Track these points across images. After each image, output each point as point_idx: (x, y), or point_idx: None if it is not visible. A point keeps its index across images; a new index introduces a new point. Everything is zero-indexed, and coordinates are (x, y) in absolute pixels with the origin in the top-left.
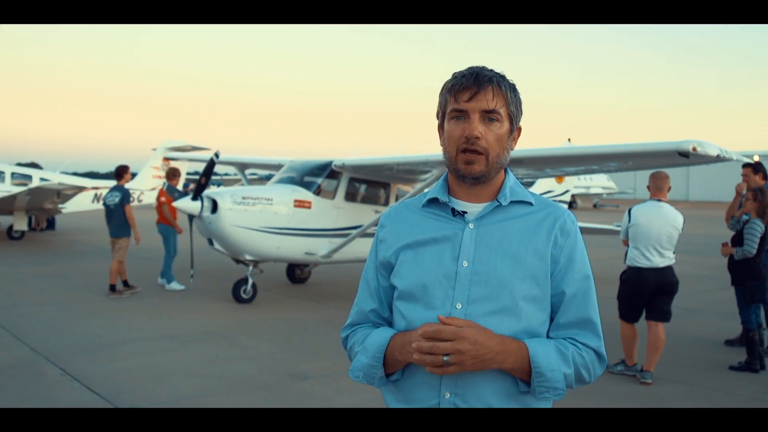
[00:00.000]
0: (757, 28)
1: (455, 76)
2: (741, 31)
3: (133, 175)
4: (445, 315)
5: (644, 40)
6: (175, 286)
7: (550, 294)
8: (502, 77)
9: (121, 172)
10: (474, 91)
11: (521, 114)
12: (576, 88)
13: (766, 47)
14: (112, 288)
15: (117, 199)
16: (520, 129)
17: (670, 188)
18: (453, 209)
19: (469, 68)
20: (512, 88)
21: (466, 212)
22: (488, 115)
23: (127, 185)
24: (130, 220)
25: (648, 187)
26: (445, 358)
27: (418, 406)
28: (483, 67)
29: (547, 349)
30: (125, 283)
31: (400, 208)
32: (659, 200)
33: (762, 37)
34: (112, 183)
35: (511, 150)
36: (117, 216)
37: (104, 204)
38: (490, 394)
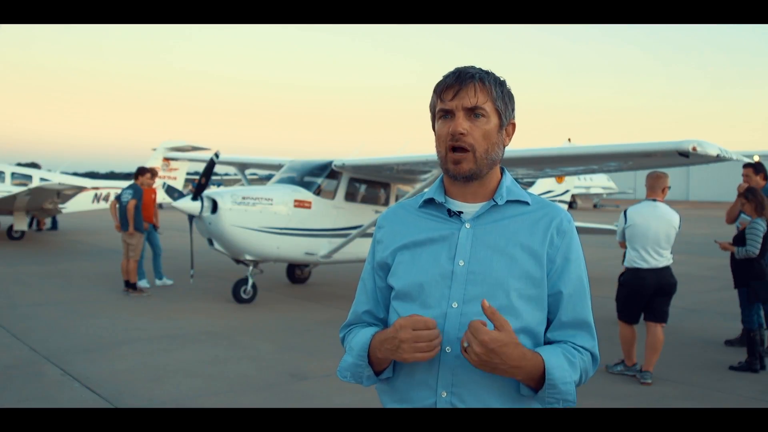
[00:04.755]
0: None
1: (442, 77)
2: (737, 30)
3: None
4: (441, 314)
5: (640, 41)
6: (165, 281)
7: (546, 293)
8: (487, 73)
9: (137, 173)
10: (456, 89)
11: (512, 109)
12: (575, 87)
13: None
14: (132, 286)
15: (129, 197)
16: (513, 124)
17: (668, 188)
18: (449, 210)
19: (455, 68)
20: (498, 83)
21: (462, 212)
22: (473, 112)
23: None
24: (129, 213)
25: (646, 187)
26: (466, 344)
27: (415, 405)
28: (469, 66)
29: (560, 361)
30: (131, 285)
31: (397, 209)
32: (654, 200)
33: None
34: (113, 183)
35: (506, 145)
36: (125, 212)
37: (118, 200)
38: (487, 394)
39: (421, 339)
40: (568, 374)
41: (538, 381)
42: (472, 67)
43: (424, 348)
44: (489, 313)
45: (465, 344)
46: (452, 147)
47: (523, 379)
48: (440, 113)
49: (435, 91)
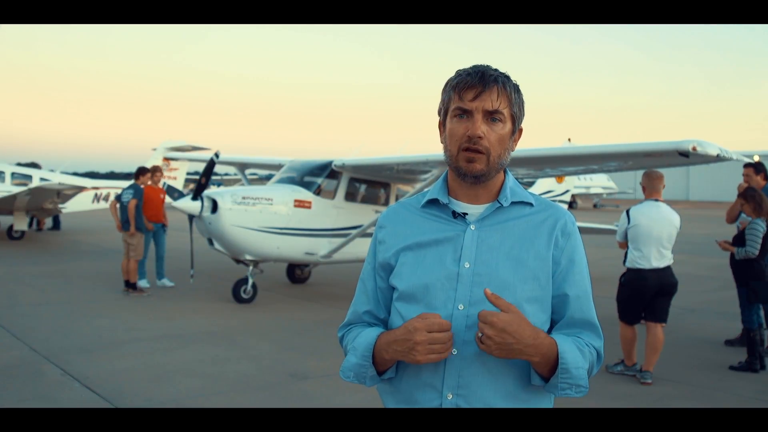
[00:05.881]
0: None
1: (459, 74)
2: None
3: (136, 175)
4: (447, 316)
5: (639, 41)
6: (165, 282)
7: (551, 295)
8: (507, 77)
9: (137, 173)
10: (479, 91)
11: (523, 115)
12: (575, 87)
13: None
14: (132, 286)
15: (129, 196)
16: (521, 130)
17: (663, 186)
18: (454, 211)
19: (474, 66)
20: (516, 89)
21: (466, 214)
22: (491, 115)
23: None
24: (129, 214)
25: (642, 187)
26: (480, 335)
27: (420, 407)
28: (488, 66)
29: (572, 347)
30: (132, 285)
31: (399, 208)
32: (656, 200)
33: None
34: (113, 183)
35: (512, 151)
36: (126, 212)
37: (118, 200)
38: (492, 395)
39: (436, 341)
40: (580, 360)
41: (552, 366)
42: (492, 68)
43: (438, 350)
44: (493, 298)
45: (480, 335)
46: (467, 148)
47: (540, 361)
48: (457, 111)
49: (454, 88)
